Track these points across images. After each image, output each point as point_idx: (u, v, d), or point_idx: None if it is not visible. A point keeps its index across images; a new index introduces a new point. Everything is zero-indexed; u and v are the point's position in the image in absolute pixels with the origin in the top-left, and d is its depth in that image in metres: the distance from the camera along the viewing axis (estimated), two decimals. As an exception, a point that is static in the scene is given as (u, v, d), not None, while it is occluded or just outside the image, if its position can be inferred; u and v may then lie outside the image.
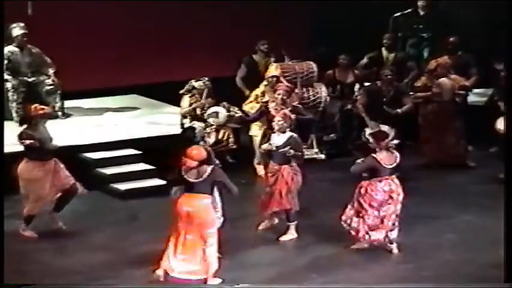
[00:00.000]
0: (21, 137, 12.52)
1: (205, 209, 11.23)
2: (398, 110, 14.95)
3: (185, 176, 11.16)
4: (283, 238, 12.71)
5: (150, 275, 11.32)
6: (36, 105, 12.84)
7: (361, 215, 12.29)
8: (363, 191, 12.29)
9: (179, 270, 11.23)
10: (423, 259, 12.17)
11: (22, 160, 12.59)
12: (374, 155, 12.28)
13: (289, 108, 13.78)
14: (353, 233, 12.33)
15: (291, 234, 12.74)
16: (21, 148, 12.86)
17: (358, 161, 12.47)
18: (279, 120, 12.73)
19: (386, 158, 12.25)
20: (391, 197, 12.26)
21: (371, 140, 12.36)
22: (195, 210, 11.16)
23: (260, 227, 12.95)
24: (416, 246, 12.57)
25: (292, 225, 12.74)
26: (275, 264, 12.02)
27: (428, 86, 15.64)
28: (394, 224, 12.29)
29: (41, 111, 12.65)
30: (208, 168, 11.19)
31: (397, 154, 12.33)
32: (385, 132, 12.44)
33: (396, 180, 12.32)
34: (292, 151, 12.56)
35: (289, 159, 12.64)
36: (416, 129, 15.81)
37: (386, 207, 12.27)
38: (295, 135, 12.77)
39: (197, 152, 11.22)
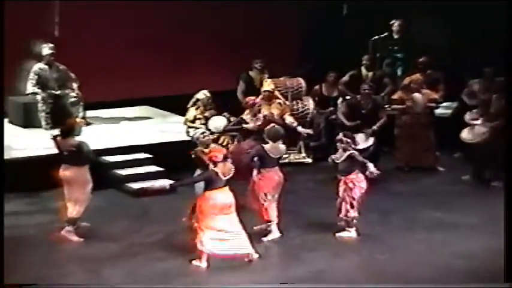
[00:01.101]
0: (59, 146, 12.24)
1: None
2: (374, 127, 14.87)
3: (219, 174, 11.26)
4: (266, 238, 12.31)
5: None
6: (79, 119, 12.90)
7: (354, 204, 12.29)
8: (351, 185, 12.28)
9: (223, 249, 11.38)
10: (397, 250, 12.13)
11: (61, 165, 12.23)
12: (352, 152, 12.32)
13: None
14: (350, 222, 12.35)
15: (273, 235, 12.38)
16: (46, 152, 12.79)
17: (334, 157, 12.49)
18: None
19: (357, 155, 12.35)
20: None
21: (344, 139, 12.37)
22: (233, 200, 11.40)
23: (255, 228, 12.51)
24: (391, 238, 12.52)
25: (273, 226, 12.41)
26: (268, 251, 11.98)
27: (403, 99, 15.60)
28: None
29: (81, 124, 12.62)
30: (233, 167, 11.42)
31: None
32: (351, 134, 12.60)
33: None
34: None
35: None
36: (391, 138, 15.70)
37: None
38: (263, 145, 12.50)
39: (220, 148, 11.85)
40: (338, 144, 12.45)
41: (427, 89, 15.81)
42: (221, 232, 11.34)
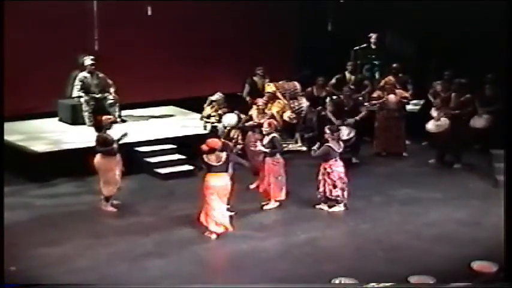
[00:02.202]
0: (98, 141, 12.39)
1: (228, 182, 11.37)
2: (357, 118, 14.89)
3: (206, 161, 11.25)
4: (267, 207, 12.52)
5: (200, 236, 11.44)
6: (106, 116, 12.87)
7: (336, 184, 12.33)
8: (329, 170, 12.32)
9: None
10: (376, 220, 12.19)
11: (96, 155, 12.38)
12: (328, 144, 12.34)
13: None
14: (338, 199, 12.37)
15: (272, 204, 12.57)
16: (89, 144, 12.86)
17: (314, 148, 12.57)
18: (265, 127, 12.73)
19: (336, 146, 12.36)
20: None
21: (328, 132, 12.47)
22: (223, 184, 11.30)
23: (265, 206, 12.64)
24: (371, 211, 12.58)
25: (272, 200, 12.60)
26: (271, 222, 12.09)
27: (381, 97, 15.63)
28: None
29: (109, 120, 12.59)
30: (224, 154, 11.29)
31: (342, 144, 12.52)
32: (337, 128, 12.68)
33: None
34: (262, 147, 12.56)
35: (271, 153, 12.52)
36: (370, 129, 15.72)
37: (345, 177, 12.39)
38: (276, 136, 12.66)
39: (211, 141, 11.46)
40: (325, 135, 12.55)
41: (399, 89, 15.84)
42: (215, 211, 11.35)
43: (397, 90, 15.67)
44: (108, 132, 12.44)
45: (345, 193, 12.49)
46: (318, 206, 12.52)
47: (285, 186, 12.63)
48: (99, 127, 12.50)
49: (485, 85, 15.50)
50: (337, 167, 12.40)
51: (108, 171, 12.31)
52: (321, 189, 12.43)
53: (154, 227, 11.77)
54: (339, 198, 12.43)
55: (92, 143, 12.61)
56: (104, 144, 12.32)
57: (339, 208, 12.50)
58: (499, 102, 14.84)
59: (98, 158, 12.38)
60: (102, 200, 12.42)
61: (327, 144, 12.40)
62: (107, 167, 12.31)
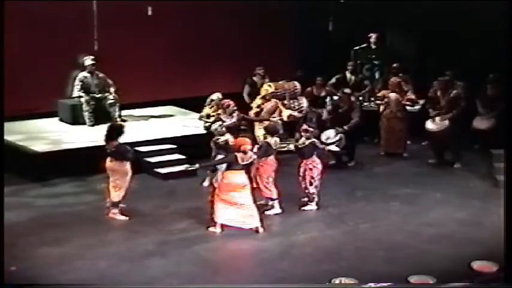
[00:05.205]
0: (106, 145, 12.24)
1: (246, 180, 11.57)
2: (345, 127, 14.58)
3: (238, 159, 11.44)
4: (269, 212, 12.34)
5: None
6: (118, 123, 12.85)
7: (312, 182, 12.31)
8: (311, 166, 12.34)
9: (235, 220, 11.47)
10: (376, 220, 12.17)
11: (105, 158, 12.14)
12: (313, 140, 12.41)
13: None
14: (310, 197, 12.36)
15: (275, 210, 12.42)
16: (89, 144, 12.84)
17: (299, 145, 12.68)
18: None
19: (318, 143, 12.48)
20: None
21: (308, 129, 12.56)
22: (246, 182, 11.47)
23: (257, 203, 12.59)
24: (371, 211, 12.56)
25: (275, 203, 12.43)
26: (271, 222, 12.03)
27: (385, 96, 15.59)
28: None
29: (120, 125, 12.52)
30: (253, 155, 11.62)
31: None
32: (314, 125, 13.11)
33: None
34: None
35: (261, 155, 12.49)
36: (370, 130, 15.72)
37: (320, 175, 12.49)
38: (268, 142, 12.55)
39: (246, 140, 11.76)
40: (303, 133, 12.54)
41: (408, 91, 15.70)
42: (233, 205, 11.41)
43: (408, 93, 15.61)
44: (119, 138, 12.26)
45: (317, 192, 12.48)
46: (302, 208, 12.44)
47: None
48: (109, 137, 12.17)
49: (487, 85, 15.50)
50: (318, 165, 12.41)
51: (120, 175, 12.04)
52: (303, 186, 12.43)
53: (155, 226, 11.77)
54: (314, 196, 12.39)
55: (91, 142, 12.61)
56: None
57: (311, 207, 12.43)
58: (501, 102, 14.83)
59: (109, 161, 12.10)
60: (110, 207, 12.15)
61: (311, 140, 12.41)
62: (119, 171, 12.07)
